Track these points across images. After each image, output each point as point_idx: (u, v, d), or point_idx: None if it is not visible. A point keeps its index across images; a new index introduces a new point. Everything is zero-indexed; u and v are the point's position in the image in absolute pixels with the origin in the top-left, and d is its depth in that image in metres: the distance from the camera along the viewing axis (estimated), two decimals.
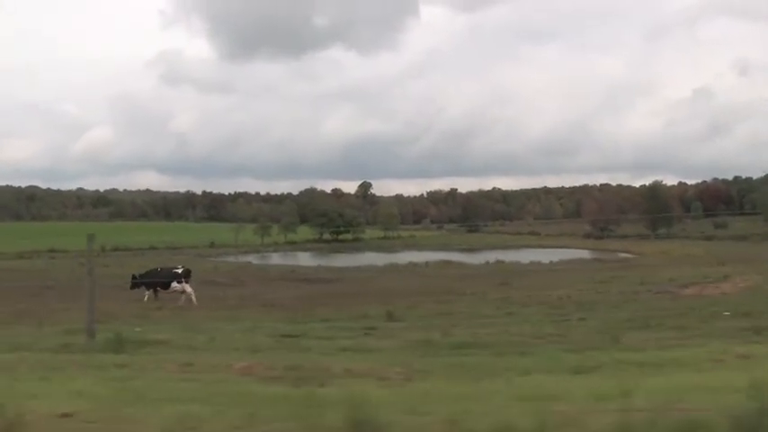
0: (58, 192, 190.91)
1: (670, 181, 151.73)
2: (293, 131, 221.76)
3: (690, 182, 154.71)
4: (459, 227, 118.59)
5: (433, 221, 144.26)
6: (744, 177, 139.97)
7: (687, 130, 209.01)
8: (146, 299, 23.59)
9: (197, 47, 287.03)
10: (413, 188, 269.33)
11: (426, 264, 48.07)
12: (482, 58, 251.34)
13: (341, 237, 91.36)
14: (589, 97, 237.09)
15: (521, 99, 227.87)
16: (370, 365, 6.65)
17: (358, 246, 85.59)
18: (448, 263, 49.19)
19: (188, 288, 24.16)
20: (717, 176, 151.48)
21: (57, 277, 35.95)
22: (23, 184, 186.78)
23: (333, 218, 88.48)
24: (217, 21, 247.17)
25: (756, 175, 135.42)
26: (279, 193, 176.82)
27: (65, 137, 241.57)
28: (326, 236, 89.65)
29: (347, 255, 72.38)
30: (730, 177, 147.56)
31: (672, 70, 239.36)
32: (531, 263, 48.28)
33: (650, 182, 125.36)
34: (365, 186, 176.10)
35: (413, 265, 47.93)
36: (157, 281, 24.54)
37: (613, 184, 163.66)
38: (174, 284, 24.46)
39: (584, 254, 68.89)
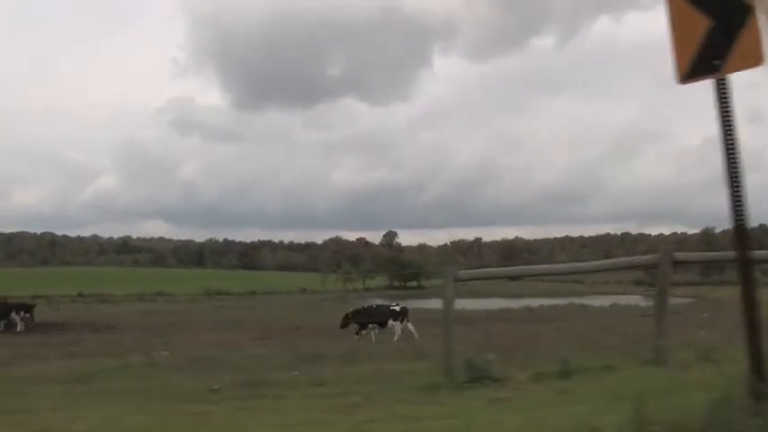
0: (78, 238, 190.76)
1: (682, 228, 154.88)
2: (304, 181, 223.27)
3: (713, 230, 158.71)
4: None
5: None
6: None
7: (698, 178, 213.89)
8: (373, 338, 22.67)
9: (209, 96, 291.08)
10: (418, 238, 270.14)
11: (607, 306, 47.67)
12: (494, 108, 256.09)
13: (408, 284, 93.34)
14: (604, 146, 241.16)
15: (533, 148, 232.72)
16: None
17: (424, 292, 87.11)
18: (589, 307, 49.38)
19: (409, 326, 23.55)
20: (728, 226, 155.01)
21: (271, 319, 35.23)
22: (37, 231, 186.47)
23: (405, 265, 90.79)
24: (230, 70, 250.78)
25: None
26: (302, 242, 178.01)
27: (74, 184, 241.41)
28: (395, 283, 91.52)
29: (427, 300, 73.43)
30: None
31: (681, 118, 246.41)
32: (650, 306, 49.39)
33: (669, 231, 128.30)
34: (390, 236, 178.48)
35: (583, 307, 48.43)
36: (375, 319, 23.78)
37: (633, 232, 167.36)
38: (391, 322, 23.68)
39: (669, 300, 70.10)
